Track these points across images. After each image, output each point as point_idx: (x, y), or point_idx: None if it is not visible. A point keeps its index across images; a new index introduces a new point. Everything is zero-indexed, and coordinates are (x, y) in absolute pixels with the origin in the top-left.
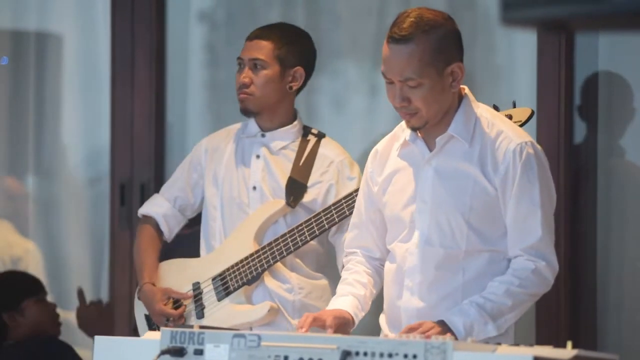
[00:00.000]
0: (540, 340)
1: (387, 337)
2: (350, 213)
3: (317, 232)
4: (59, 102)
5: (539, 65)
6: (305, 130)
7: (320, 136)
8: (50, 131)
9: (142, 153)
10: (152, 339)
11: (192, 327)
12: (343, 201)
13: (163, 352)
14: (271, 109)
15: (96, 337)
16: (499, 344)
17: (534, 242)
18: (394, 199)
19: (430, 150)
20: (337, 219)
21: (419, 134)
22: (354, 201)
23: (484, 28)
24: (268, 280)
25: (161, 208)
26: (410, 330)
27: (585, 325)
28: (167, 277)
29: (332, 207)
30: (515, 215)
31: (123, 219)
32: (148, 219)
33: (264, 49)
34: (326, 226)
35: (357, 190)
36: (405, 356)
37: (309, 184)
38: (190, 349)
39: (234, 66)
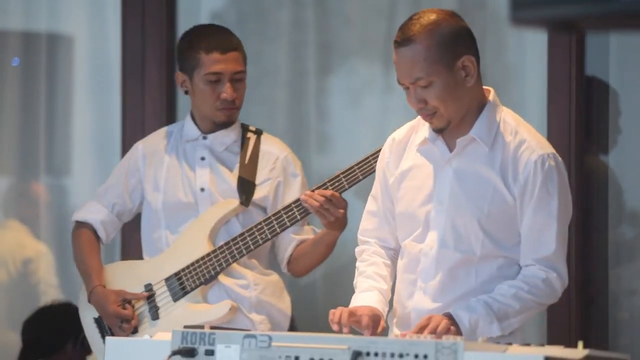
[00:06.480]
0: (551, 340)
1: (398, 337)
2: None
3: (278, 229)
4: (70, 102)
5: (549, 65)
6: (244, 129)
7: (258, 133)
8: (61, 132)
9: None
10: (163, 340)
11: (202, 327)
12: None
13: (174, 353)
14: None
15: (107, 337)
16: (510, 343)
17: (548, 254)
18: (410, 196)
19: (451, 151)
20: (299, 216)
21: (440, 135)
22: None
23: (494, 28)
24: (223, 278)
25: (99, 214)
26: (421, 329)
27: (597, 325)
28: (115, 280)
29: (293, 205)
30: (531, 225)
31: (134, 220)
32: (84, 225)
33: (239, 60)
34: (288, 224)
35: (318, 189)
36: (416, 356)
37: (257, 182)
38: (201, 349)
39: None
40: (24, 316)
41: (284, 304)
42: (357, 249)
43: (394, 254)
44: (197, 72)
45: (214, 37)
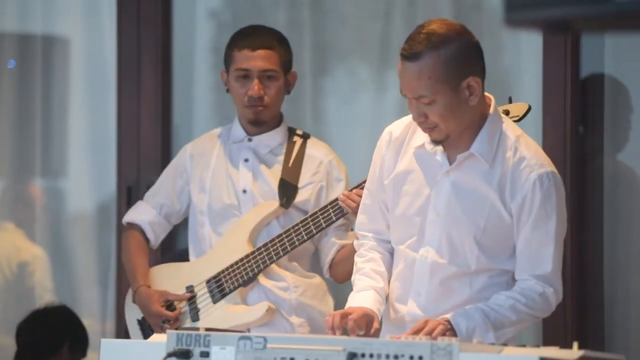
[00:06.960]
0: (547, 341)
1: (392, 338)
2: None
3: (314, 231)
4: (66, 104)
5: (544, 66)
6: (290, 132)
7: (305, 137)
8: (57, 134)
9: (148, 155)
10: (158, 342)
11: (197, 329)
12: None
13: (169, 355)
14: None
15: (102, 340)
16: (505, 344)
17: (545, 273)
18: (406, 200)
19: (450, 163)
20: (334, 217)
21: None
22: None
23: (489, 29)
24: (263, 280)
25: (147, 216)
26: (417, 332)
27: (592, 326)
28: (159, 282)
29: (329, 206)
30: (528, 243)
31: None
32: (134, 226)
33: (272, 58)
34: (324, 225)
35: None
36: (412, 357)
37: (299, 185)
38: (197, 351)
39: None
40: (20, 320)
41: (327, 306)
42: (354, 243)
43: (391, 247)
44: (230, 68)
45: (250, 35)
